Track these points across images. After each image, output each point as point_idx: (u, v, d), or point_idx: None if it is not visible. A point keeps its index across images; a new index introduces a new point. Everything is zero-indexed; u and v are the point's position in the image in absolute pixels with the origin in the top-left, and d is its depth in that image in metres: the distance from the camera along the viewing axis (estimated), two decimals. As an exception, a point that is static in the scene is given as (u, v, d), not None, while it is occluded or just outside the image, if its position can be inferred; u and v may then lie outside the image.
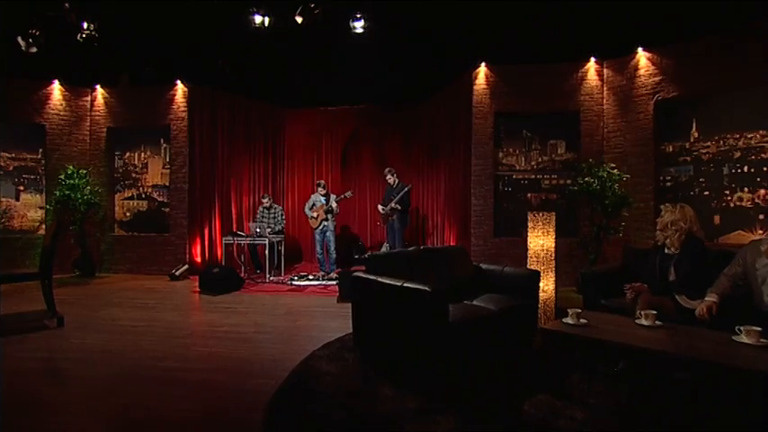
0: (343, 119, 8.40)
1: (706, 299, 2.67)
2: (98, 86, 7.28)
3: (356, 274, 3.25)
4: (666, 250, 3.04)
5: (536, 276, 3.54)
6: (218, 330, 3.96)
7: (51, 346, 3.48)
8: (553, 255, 3.90)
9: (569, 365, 2.73)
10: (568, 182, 6.18)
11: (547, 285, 3.85)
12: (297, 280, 6.33)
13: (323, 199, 6.72)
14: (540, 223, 3.89)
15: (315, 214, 6.70)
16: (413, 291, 2.80)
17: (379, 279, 3.04)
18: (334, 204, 6.66)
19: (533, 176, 6.35)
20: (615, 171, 5.49)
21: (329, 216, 6.64)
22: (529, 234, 3.96)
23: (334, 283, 6.10)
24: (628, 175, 5.52)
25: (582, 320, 2.63)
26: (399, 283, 2.88)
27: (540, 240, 3.90)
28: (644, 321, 2.55)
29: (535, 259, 3.91)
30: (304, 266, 7.97)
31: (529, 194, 6.36)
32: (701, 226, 3.01)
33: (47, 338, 3.66)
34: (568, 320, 2.64)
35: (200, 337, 3.80)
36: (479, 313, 3.07)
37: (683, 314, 2.77)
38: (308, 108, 8.35)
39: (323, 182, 6.87)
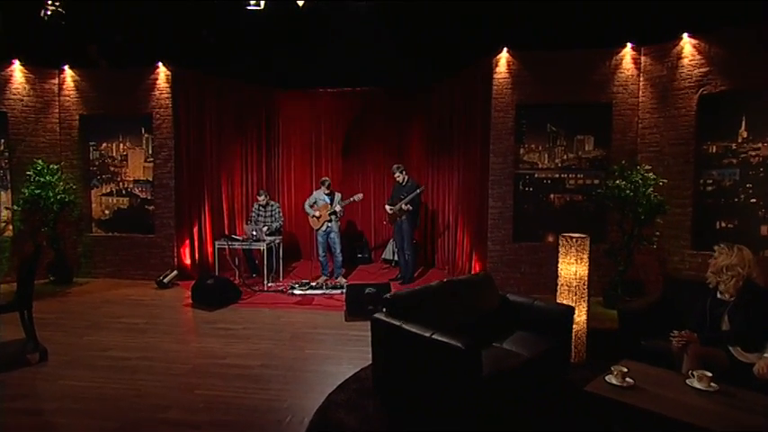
0: (344, 103, 8.18)
1: (765, 355, 2.67)
2: (66, 67, 6.97)
3: (377, 316, 3.21)
4: (719, 295, 3.01)
5: (570, 313, 3.53)
6: (221, 364, 3.94)
7: (38, 392, 3.44)
8: (586, 283, 3.87)
9: (607, 419, 2.75)
10: (596, 182, 6.10)
11: (579, 316, 3.83)
12: (297, 288, 6.30)
13: (326, 198, 6.61)
14: (574, 249, 3.84)
15: (317, 213, 6.60)
16: (443, 344, 2.77)
17: (404, 326, 3.00)
18: (338, 207, 6.56)
19: (557, 175, 6.25)
20: (651, 175, 5.40)
21: (333, 218, 6.55)
22: (560, 260, 3.91)
23: (340, 291, 6.09)
24: (665, 180, 5.43)
25: (628, 380, 2.62)
26: (428, 334, 2.85)
27: (573, 267, 3.85)
28: (697, 384, 2.55)
29: (566, 288, 3.88)
30: (303, 265, 7.96)
31: (552, 195, 6.29)
32: (760, 270, 2.96)
33: (31, 380, 3.61)
34: (612, 380, 2.63)
35: (203, 374, 3.77)
36: (512, 363, 3.06)
37: (738, 369, 2.77)
38: (306, 89, 8.09)
39: (328, 180, 6.72)
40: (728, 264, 2.92)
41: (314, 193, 6.84)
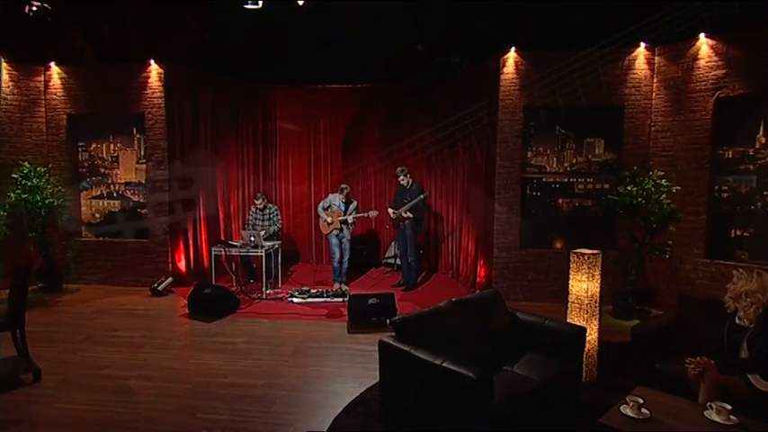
0: (344, 101, 8.12)
1: (785, 385, 2.70)
2: (53, 64, 6.87)
3: (385, 340, 3.22)
4: (738, 321, 3.03)
5: (582, 334, 3.55)
6: (223, 383, 3.95)
7: (33, 417, 3.44)
8: (598, 301, 3.89)
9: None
10: (606, 186, 6.10)
11: (590, 335, 3.85)
12: (297, 296, 6.30)
13: (342, 205, 6.63)
14: (585, 266, 3.85)
15: (329, 219, 6.60)
16: (454, 373, 2.78)
17: (413, 352, 3.02)
18: (350, 219, 6.59)
19: (566, 180, 6.25)
20: (663, 181, 5.39)
21: (343, 227, 6.58)
22: (571, 277, 3.93)
23: (341, 299, 6.11)
24: (678, 187, 5.43)
25: (644, 411, 2.65)
26: (438, 362, 2.87)
27: (584, 284, 3.87)
28: (715, 417, 2.57)
29: (577, 305, 3.90)
30: (302, 269, 8.00)
31: (560, 200, 6.29)
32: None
33: (25, 404, 3.61)
34: (628, 411, 2.65)
35: (204, 395, 3.77)
36: (523, 389, 3.07)
37: (758, 398, 2.80)
38: (305, 86, 8.02)
39: (347, 188, 6.72)
40: (748, 290, 2.94)
41: (329, 195, 6.83)
